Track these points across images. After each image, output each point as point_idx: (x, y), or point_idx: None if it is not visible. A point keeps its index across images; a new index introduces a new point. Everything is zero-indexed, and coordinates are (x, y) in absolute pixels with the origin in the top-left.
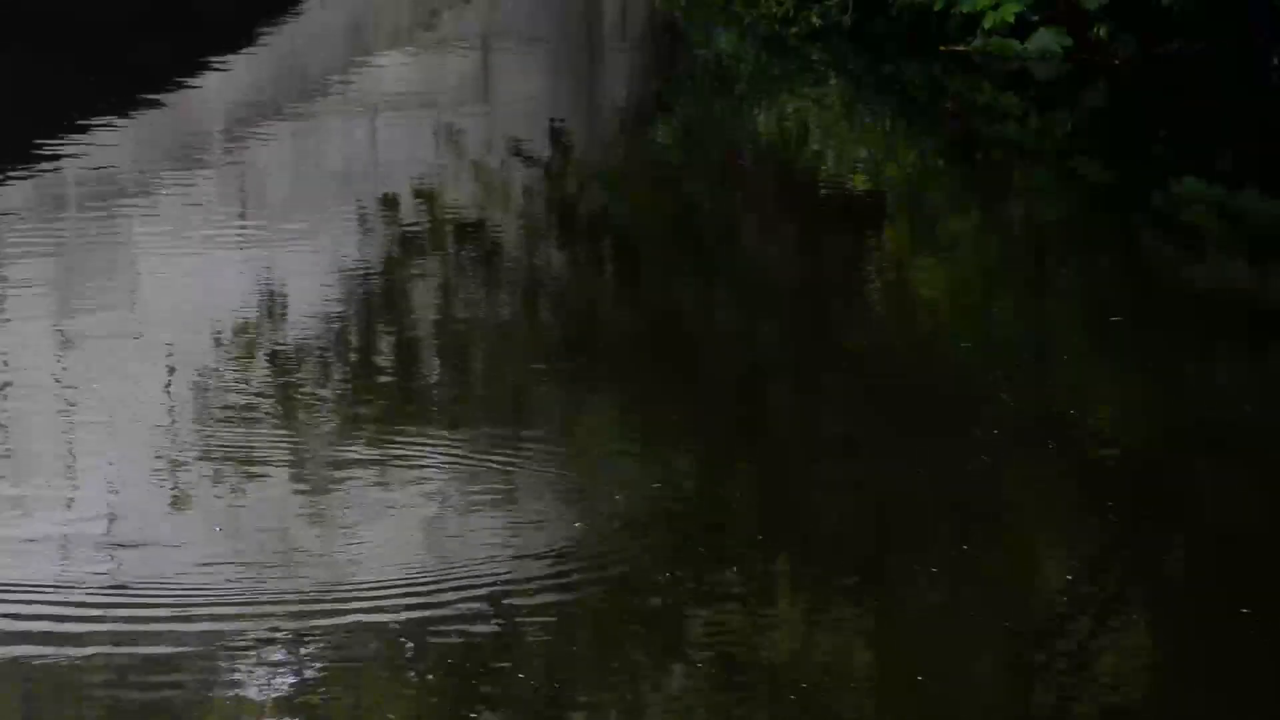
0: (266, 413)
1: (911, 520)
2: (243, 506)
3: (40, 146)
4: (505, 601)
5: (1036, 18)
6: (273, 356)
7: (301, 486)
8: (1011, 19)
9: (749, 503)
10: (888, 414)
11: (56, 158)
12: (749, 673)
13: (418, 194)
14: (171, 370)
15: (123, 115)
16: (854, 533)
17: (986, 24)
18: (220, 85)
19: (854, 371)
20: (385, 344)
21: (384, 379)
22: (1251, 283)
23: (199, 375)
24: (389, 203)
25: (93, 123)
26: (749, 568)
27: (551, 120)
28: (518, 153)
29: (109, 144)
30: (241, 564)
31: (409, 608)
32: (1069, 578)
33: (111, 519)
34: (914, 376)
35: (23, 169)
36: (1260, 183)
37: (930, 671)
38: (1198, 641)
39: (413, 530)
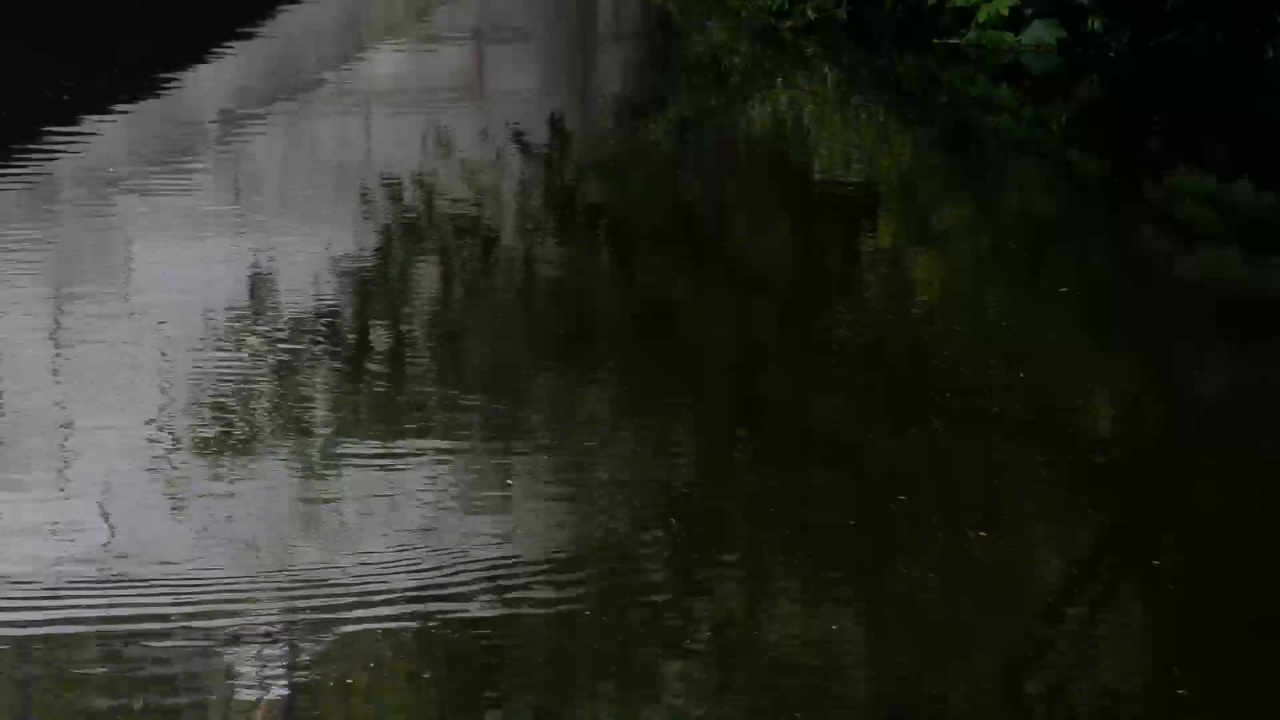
0: (262, 402)
1: (908, 513)
2: (237, 500)
3: (34, 138)
4: (502, 596)
5: (1030, 10)
6: (270, 346)
7: (299, 479)
8: (1006, 12)
9: (742, 493)
10: (880, 404)
11: (51, 149)
12: (746, 666)
13: (413, 185)
14: (165, 360)
15: (116, 108)
16: (850, 524)
17: (981, 17)
18: (214, 78)
19: (847, 360)
20: (381, 332)
21: (380, 368)
22: (1242, 274)
23: (193, 365)
24: (385, 193)
25: (87, 115)
26: (743, 559)
27: (547, 113)
28: (512, 144)
29: (103, 136)
30: (233, 560)
31: (405, 611)
32: (1063, 571)
33: (103, 514)
34: (905, 366)
35: (17, 160)
36: (1253, 174)
37: (927, 666)
38: (1194, 639)
39: (408, 524)
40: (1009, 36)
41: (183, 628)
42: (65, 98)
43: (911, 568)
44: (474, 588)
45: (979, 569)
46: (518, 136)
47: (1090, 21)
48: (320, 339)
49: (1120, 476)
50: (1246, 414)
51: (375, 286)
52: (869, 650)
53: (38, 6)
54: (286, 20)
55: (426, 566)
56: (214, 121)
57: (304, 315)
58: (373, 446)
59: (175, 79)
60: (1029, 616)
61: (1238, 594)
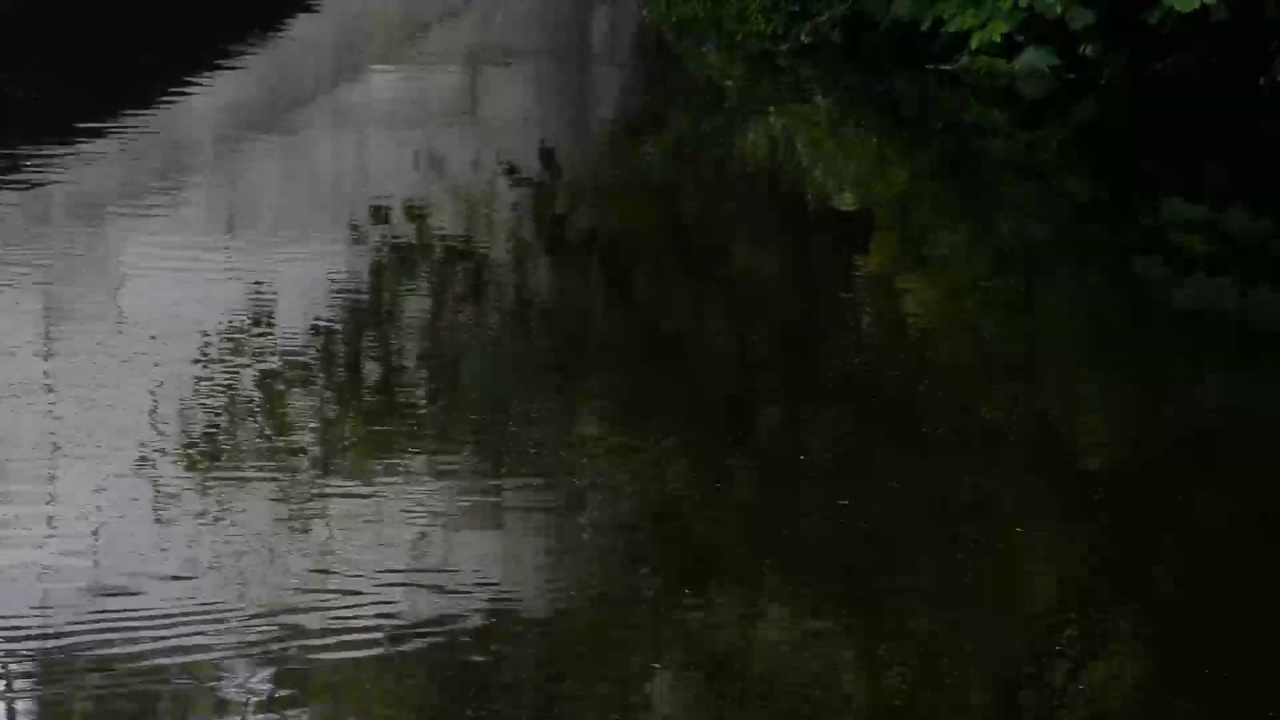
0: (254, 428)
1: (903, 537)
2: (228, 524)
3: (25, 161)
4: (495, 621)
5: (1023, 38)
6: (261, 372)
7: (289, 504)
8: (999, 38)
9: (740, 520)
10: (877, 430)
11: (42, 172)
12: (738, 692)
13: (407, 211)
14: (157, 385)
15: (110, 130)
16: (845, 550)
17: (974, 43)
18: (208, 100)
19: (843, 387)
20: (374, 360)
21: (373, 396)
22: (1235, 302)
23: (184, 391)
24: (378, 218)
25: (80, 137)
26: (740, 586)
27: (541, 137)
28: (507, 169)
29: (95, 159)
30: (223, 583)
31: (396, 628)
32: (1061, 594)
33: (93, 539)
34: (900, 392)
35: (8, 183)
36: (1248, 201)
37: (923, 691)
38: (1191, 656)
39: (400, 549)
40: (1002, 64)
41: (167, 650)
42: (58, 114)
43: (906, 588)
44: (463, 617)
45: (975, 590)
46: (511, 161)
47: (1083, 47)
48: (313, 366)
49: (1112, 501)
50: (1239, 441)
51: (370, 309)
52: (866, 673)
53: (33, 20)
54: (286, 37)
55: (413, 596)
56: (211, 143)
57: (296, 343)
58: (364, 476)
59: (170, 99)
60: (1026, 638)
61: (1230, 623)
